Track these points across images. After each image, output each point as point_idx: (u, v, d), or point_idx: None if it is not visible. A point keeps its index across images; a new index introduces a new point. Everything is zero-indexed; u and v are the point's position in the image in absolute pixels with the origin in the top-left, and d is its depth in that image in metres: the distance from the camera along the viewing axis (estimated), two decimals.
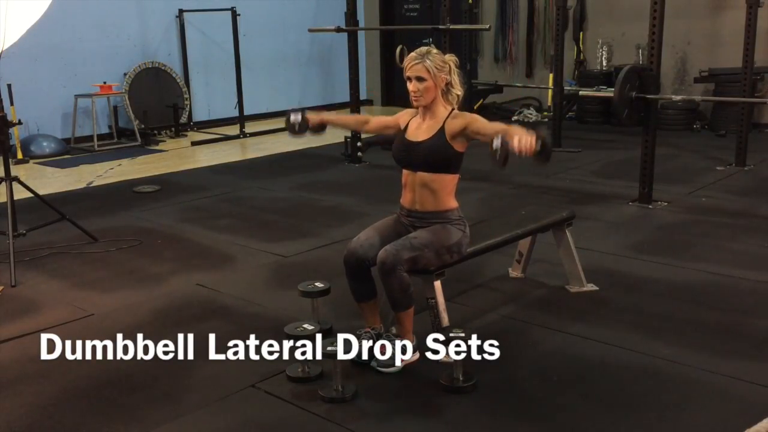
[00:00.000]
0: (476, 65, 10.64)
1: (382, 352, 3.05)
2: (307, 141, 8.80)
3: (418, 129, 3.21)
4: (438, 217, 3.17)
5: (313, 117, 3.45)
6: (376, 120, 3.54)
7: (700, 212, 5.37)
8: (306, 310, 3.46)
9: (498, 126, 3.03)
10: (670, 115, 8.78)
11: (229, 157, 7.96)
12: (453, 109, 3.17)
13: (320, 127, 3.49)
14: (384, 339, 3.16)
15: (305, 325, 3.03)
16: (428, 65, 3.08)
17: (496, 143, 2.79)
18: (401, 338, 3.13)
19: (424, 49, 3.15)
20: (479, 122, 3.09)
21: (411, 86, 3.12)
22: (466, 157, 3.19)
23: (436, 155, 3.12)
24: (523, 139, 2.74)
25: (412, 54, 3.14)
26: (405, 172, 3.25)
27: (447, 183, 3.19)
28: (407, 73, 3.13)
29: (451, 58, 3.17)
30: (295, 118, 3.43)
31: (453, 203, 3.22)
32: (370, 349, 3.12)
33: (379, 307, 3.26)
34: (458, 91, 3.19)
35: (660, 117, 8.08)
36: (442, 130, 3.13)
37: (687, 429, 2.62)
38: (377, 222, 3.31)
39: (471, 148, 3.23)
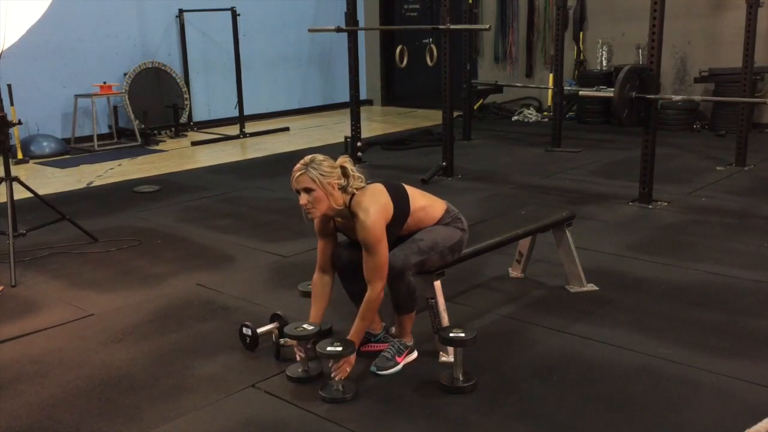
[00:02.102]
0: (476, 65, 10.64)
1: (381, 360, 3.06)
2: (308, 141, 8.86)
3: (350, 230, 3.03)
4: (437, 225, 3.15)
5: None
6: (321, 259, 3.16)
7: (700, 212, 5.37)
8: (306, 311, 3.46)
9: (367, 269, 2.89)
10: (670, 115, 8.79)
11: (229, 157, 7.96)
12: (351, 199, 2.94)
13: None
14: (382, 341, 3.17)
15: (305, 326, 3.03)
16: (313, 175, 2.86)
17: (339, 348, 2.89)
18: (400, 339, 3.13)
19: (308, 157, 2.95)
20: (366, 254, 2.90)
21: (301, 199, 2.92)
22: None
23: (388, 236, 2.99)
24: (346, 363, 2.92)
25: (297, 165, 2.93)
26: None
27: (419, 219, 3.08)
28: (294, 187, 2.93)
29: (342, 161, 2.96)
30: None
31: (438, 213, 3.15)
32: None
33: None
34: (359, 183, 2.97)
35: (660, 117, 8.09)
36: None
37: (687, 429, 2.62)
38: None
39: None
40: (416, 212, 3.07)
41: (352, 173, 2.95)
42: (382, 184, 3.04)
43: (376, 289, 2.92)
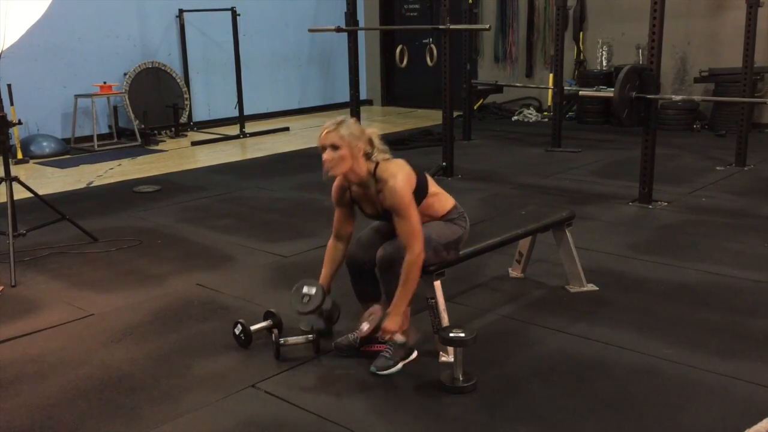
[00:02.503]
0: (476, 65, 10.64)
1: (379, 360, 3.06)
2: (308, 141, 8.86)
3: (368, 201, 3.08)
4: (439, 220, 3.17)
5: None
6: (337, 228, 3.24)
7: (700, 212, 5.37)
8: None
9: (403, 233, 2.91)
10: (670, 115, 8.79)
11: (229, 157, 7.96)
12: (376, 166, 2.97)
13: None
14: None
15: (305, 289, 3.11)
16: (343, 133, 2.90)
17: (365, 327, 2.97)
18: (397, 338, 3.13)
19: (340, 118, 2.99)
20: (398, 219, 2.93)
21: (325, 155, 2.93)
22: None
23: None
24: (386, 333, 2.97)
25: (328, 123, 2.96)
26: None
27: (430, 204, 3.12)
28: (320, 142, 2.94)
29: (371, 132, 3.00)
30: (309, 291, 3.13)
31: (448, 205, 3.19)
32: (355, 340, 3.18)
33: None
34: (383, 155, 3.00)
35: (660, 117, 8.09)
36: (383, 203, 3.00)
37: (687, 429, 2.62)
38: (376, 222, 3.29)
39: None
40: (431, 196, 3.11)
41: (377, 145, 3.00)
42: (403, 160, 3.08)
43: (414, 252, 2.93)
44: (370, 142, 2.98)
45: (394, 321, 2.96)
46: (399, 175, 2.94)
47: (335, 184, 3.14)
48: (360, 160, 2.95)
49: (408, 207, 2.92)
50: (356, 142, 2.92)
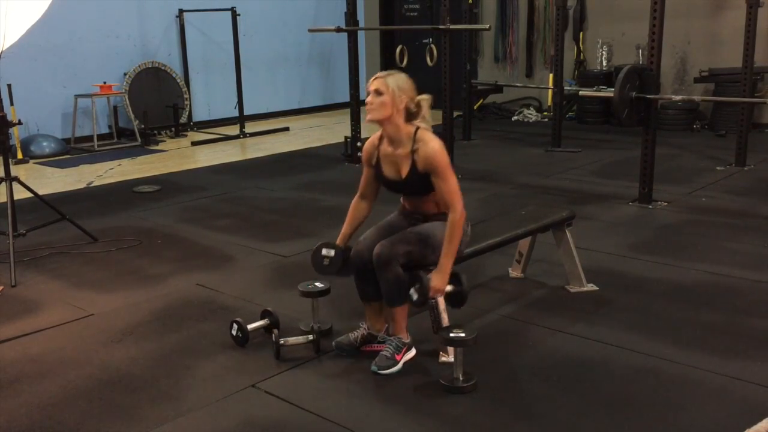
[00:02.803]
0: (476, 65, 10.64)
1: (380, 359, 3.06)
2: (308, 141, 8.87)
3: (391, 163, 3.12)
4: (441, 217, 3.16)
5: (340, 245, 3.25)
6: (363, 187, 3.30)
7: (700, 212, 5.38)
8: (306, 310, 3.47)
9: (444, 194, 2.99)
10: (670, 115, 8.79)
11: (229, 157, 7.96)
12: (417, 130, 3.05)
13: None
14: (380, 341, 3.17)
15: (325, 251, 3.19)
16: (391, 82, 3.00)
17: (415, 296, 2.99)
18: (396, 336, 3.12)
19: (394, 70, 3.09)
20: (439, 180, 3.00)
21: (367, 98, 3.06)
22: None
23: (422, 186, 3.07)
24: (437, 292, 3.00)
25: (380, 72, 3.11)
26: None
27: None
28: (368, 87, 3.06)
29: (424, 97, 3.08)
30: (328, 252, 3.21)
31: None
32: (356, 339, 3.20)
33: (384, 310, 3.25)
34: (425, 123, 3.09)
35: (660, 117, 8.10)
36: (414, 164, 3.04)
37: (687, 429, 2.62)
38: (382, 220, 3.29)
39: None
40: None
41: (424, 112, 3.08)
42: None
43: (457, 210, 3.00)
44: (418, 103, 3.06)
45: (442, 279, 3.00)
46: (437, 140, 3.06)
47: (366, 145, 3.23)
48: (400, 114, 3.03)
49: (447, 167, 3.01)
50: (401, 94, 3.01)
